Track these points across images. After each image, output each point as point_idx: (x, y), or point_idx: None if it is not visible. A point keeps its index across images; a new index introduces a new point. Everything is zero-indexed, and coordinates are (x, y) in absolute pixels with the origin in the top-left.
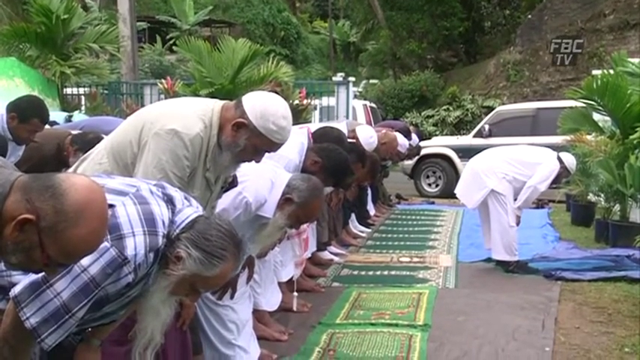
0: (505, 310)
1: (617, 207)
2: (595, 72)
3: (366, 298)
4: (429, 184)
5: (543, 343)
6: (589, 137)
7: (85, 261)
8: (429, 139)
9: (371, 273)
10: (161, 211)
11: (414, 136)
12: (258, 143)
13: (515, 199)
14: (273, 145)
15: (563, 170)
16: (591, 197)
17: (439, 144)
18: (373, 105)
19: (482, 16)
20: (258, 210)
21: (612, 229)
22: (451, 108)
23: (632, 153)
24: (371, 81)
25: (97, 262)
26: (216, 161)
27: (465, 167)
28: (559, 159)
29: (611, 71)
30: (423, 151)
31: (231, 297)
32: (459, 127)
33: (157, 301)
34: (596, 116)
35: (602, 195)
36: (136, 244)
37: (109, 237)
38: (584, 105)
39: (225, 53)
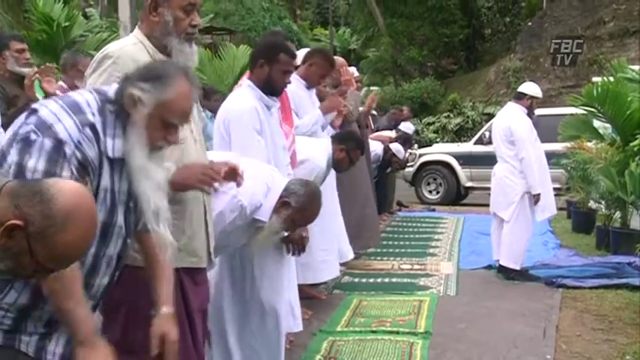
0: (506, 318)
1: (618, 214)
2: (595, 79)
3: (367, 306)
4: (430, 191)
5: (544, 350)
6: (589, 144)
7: (29, 164)
8: (430, 145)
9: (372, 280)
10: (85, 98)
11: (409, 124)
12: (178, 2)
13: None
14: None
15: (530, 100)
16: (592, 204)
17: (440, 151)
18: (374, 112)
19: (482, 24)
20: (254, 213)
21: (613, 236)
22: (452, 115)
23: (633, 160)
24: (372, 88)
25: (40, 157)
26: None
27: (492, 181)
28: (518, 97)
29: (612, 78)
30: (424, 158)
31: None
32: (460, 134)
33: (139, 160)
34: (596, 123)
35: (603, 202)
36: (65, 127)
37: (39, 133)
38: (584, 112)
39: (226, 60)
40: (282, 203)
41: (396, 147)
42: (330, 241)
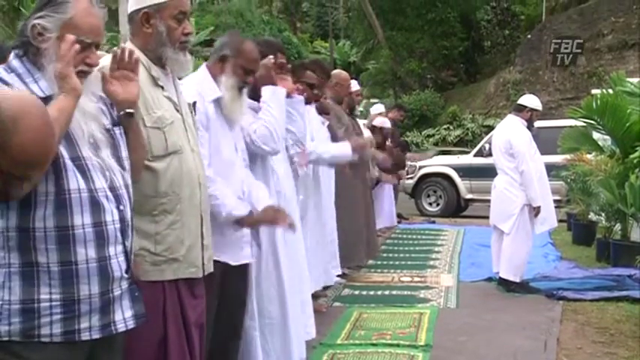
0: (506, 330)
1: (618, 226)
2: (594, 91)
3: (367, 318)
4: (430, 204)
5: None
6: (589, 156)
7: None
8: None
9: (372, 293)
10: None
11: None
12: (169, 11)
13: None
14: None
15: (530, 113)
16: (592, 216)
17: (440, 163)
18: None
19: (482, 36)
20: (205, 99)
21: (613, 248)
22: (451, 127)
23: (633, 172)
24: (371, 100)
25: None
26: (163, 76)
27: (492, 194)
28: (518, 109)
29: (610, 91)
30: (424, 170)
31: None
32: (460, 146)
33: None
34: (595, 135)
35: (603, 214)
36: None
37: None
38: (584, 124)
39: None
40: (219, 60)
41: (379, 120)
42: (326, 248)
